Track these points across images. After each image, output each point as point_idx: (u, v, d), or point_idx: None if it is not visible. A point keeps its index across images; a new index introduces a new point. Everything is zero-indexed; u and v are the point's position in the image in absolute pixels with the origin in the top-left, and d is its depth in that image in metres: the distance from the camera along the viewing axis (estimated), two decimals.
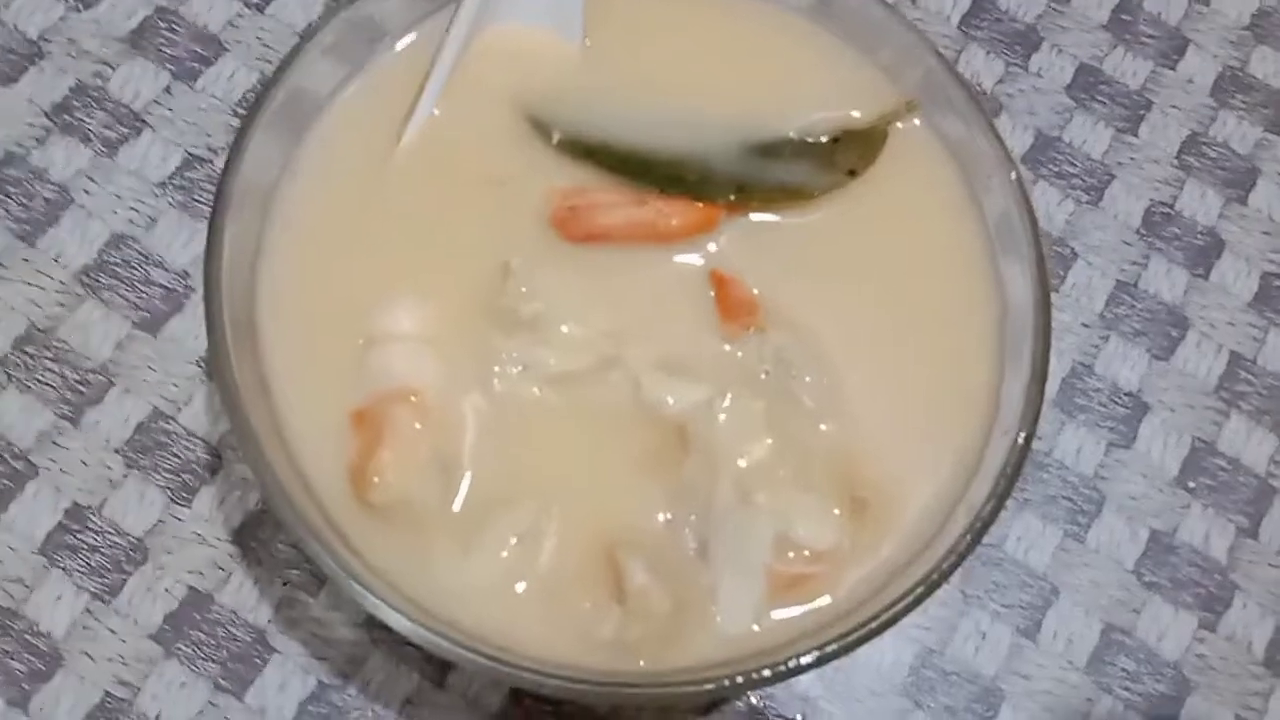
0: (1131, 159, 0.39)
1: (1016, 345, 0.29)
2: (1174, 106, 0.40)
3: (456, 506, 0.28)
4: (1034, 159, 0.39)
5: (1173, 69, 0.41)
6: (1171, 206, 0.39)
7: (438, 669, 0.32)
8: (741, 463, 0.28)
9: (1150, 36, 0.41)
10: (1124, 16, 0.41)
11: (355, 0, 0.30)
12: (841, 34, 0.32)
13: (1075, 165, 0.39)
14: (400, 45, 0.32)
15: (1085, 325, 0.37)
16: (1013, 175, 0.29)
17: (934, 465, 0.29)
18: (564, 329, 0.29)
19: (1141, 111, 0.40)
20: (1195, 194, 0.39)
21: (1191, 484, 0.36)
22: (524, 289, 0.29)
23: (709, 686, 0.25)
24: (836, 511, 0.28)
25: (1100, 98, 0.40)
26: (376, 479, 0.27)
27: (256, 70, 0.37)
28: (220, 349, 0.27)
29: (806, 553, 0.27)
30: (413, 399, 0.28)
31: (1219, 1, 0.42)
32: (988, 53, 0.40)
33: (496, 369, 0.29)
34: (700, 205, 0.30)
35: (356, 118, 0.31)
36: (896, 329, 0.30)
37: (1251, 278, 0.39)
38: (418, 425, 0.28)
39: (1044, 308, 0.28)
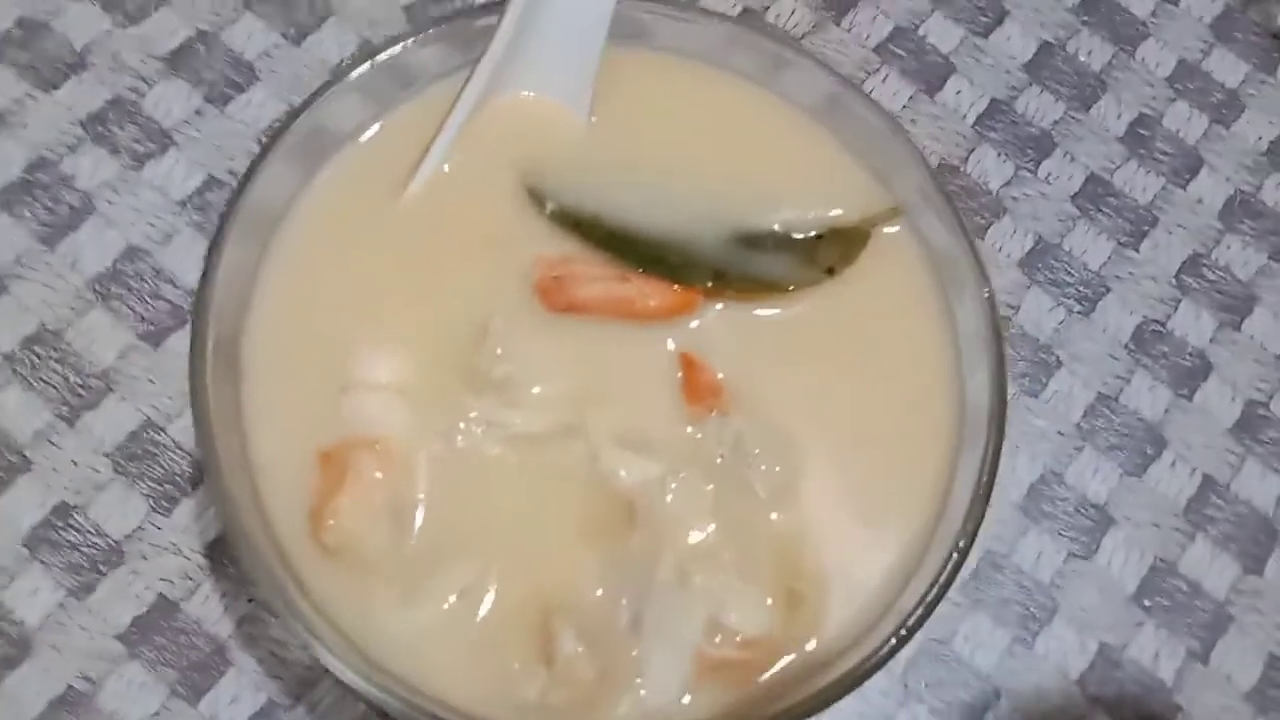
0: (1130, 273, 0.40)
1: (969, 455, 0.29)
2: (1180, 225, 0.41)
3: (404, 555, 0.29)
4: (1032, 264, 0.39)
5: (1184, 188, 0.41)
6: (1164, 325, 0.39)
7: None
8: (685, 543, 0.29)
9: (1165, 153, 0.41)
10: (1142, 131, 0.41)
11: (390, 45, 0.31)
12: (840, 135, 0.32)
13: (1072, 274, 0.39)
14: (428, 93, 0.33)
15: (1061, 433, 0.38)
16: (985, 292, 0.30)
17: (875, 564, 0.29)
18: (534, 390, 0.30)
19: (1146, 227, 0.40)
20: (1190, 315, 0.40)
21: (1148, 602, 0.36)
22: (499, 350, 0.30)
23: None
24: (770, 601, 0.28)
25: (1106, 209, 0.40)
26: (331, 521, 0.29)
27: (285, 102, 0.38)
28: (199, 370, 0.28)
29: (737, 638, 0.28)
30: (378, 447, 0.29)
31: (1240, 125, 0.42)
32: (999, 154, 0.41)
33: (461, 425, 0.30)
34: (678, 288, 0.31)
35: (371, 161, 0.32)
36: (856, 426, 0.31)
37: (1236, 404, 0.39)
38: (379, 474, 0.29)
39: (998, 424, 0.29)
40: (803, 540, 0.29)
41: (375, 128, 0.32)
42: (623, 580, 0.28)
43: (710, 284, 0.31)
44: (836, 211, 0.32)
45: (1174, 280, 0.40)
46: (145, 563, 0.33)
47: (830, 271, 0.31)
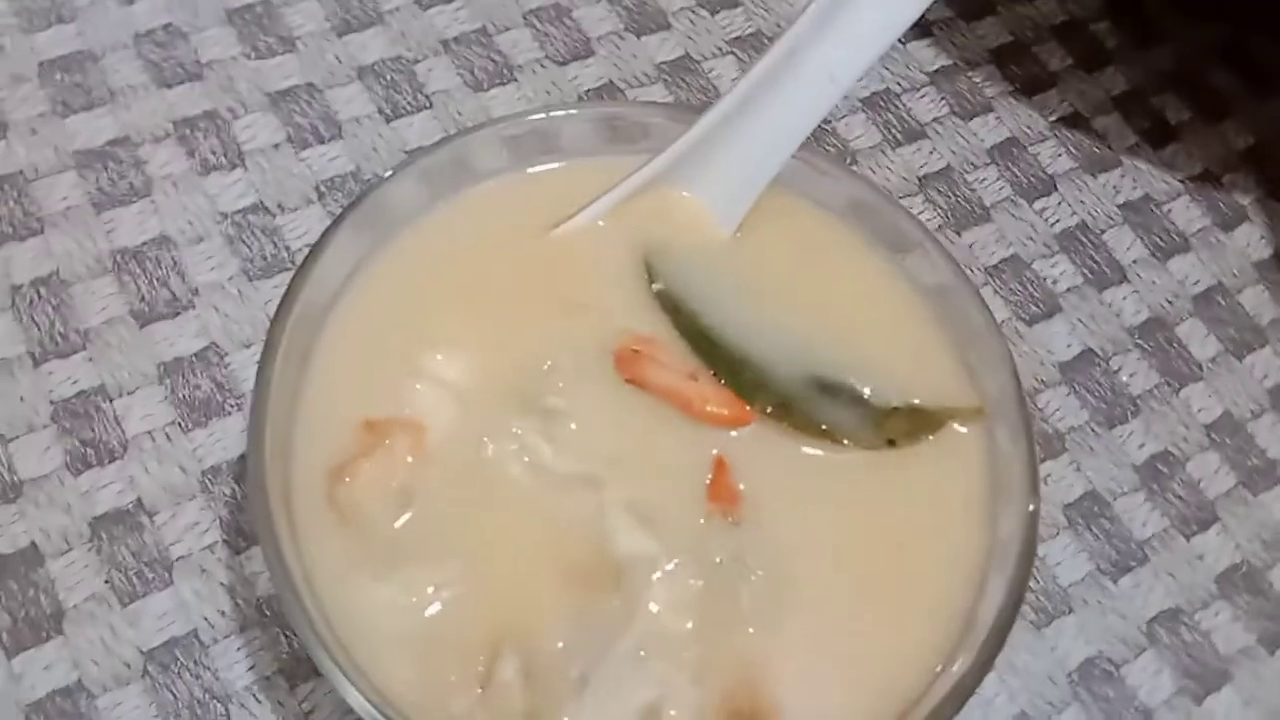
0: (1099, 602, 0.38)
1: (959, 661, 0.29)
2: (1170, 574, 0.39)
3: (395, 536, 0.29)
4: None
5: (1188, 539, 0.40)
6: (1117, 669, 0.37)
7: None
8: (655, 625, 0.29)
9: (1179, 497, 0.40)
10: (1161, 467, 0.40)
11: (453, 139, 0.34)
12: (945, 326, 0.34)
13: (1037, 582, 0.37)
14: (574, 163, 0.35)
15: None
16: (1030, 508, 0.30)
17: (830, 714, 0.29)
18: (573, 428, 0.31)
19: (1133, 563, 0.39)
20: (1150, 668, 0.37)
21: None
22: (560, 384, 0.31)
23: None
24: (711, 713, 0.28)
25: (1097, 530, 0.39)
26: (348, 479, 0.30)
27: (354, 163, 0.40)
28: (282, 317, 0.30)
29: None
30: (419, 433, 0.31)
31: (1269, 497, 0.40)
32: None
33: (498, 439, 0.31)
34: (738, 403, 0.32)
35: (519, 197, 0.35)
36: (858, 589, 0.30)
37: None
38: (409, 458, 0.30)
39: (997, 640, 0.28)
40: (768, 668, 0.29)
41: (532, 170, 0.35)
42: (585, 636, 0.28)
43: (770, 409, 0.32)
44: (919, 394, 0.33)
45: (1145, 626, 0.38)
46: None
47: (891, 443, 0.32)
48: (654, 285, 0.33)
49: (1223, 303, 0.43)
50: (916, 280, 0.34)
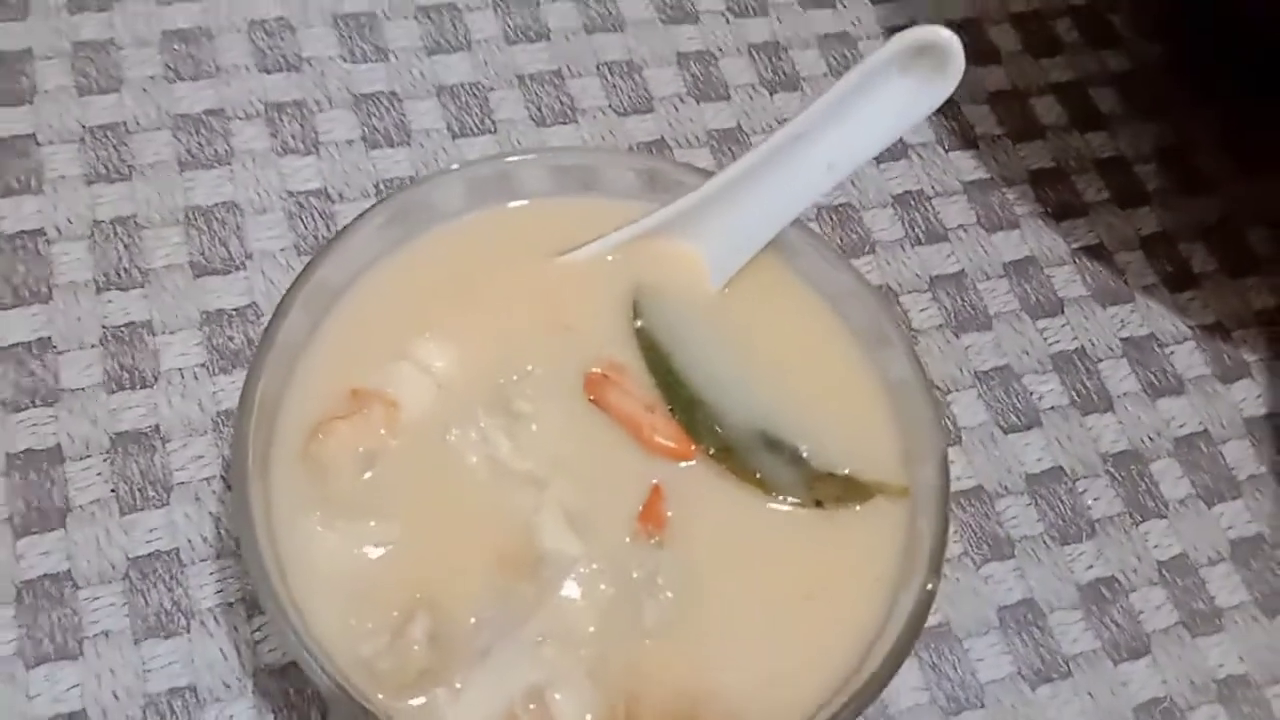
0: (1013, 705, 0.38)
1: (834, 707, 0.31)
2: (1089, 693, 0.38)
3: (351, 491, 0.33)
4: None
5: (1116, 664, 0.40)
6: None
7: None
8: (561, 619, 0.31)
9: (1115, 623, 0.40)
10: (1105, 591, 0.40)
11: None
12: (895, 413, 0.36)
13: (951, 672, 0.39)
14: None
15: None
16: (929, 586, 0.32)
17: None
18: (533, 430, 0.34)
19: (1055, 675, 0.38)
20: None
21: None
22: (529, 391, 0.35)
23: None
24: (592, 708, 0.30)
25: (1026, 637, 0.39)
26: (321, 436, 0.33)
27: (414, 169, 0.44)
28: (296, 287, 0.34)
29: (551, 718, 0.30)
30: (395, 410, 0.34)
31: (1205, 641, 0.40)
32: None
33: (463, 429, 0.34)
34: (686, 440, 0.35)
35: (538, 220, 0.38)
36: (762, 622, 0.33)
37: None
38: (381, 429, 0.34)
39: (874, 692, 0.30)
40: (656, 681, 0.31)
41: (562, 199, 0.39)
42: (496, 615, 0.31)
43: (714, 451, 0.34)
44: (854, 466, 0.35)
45: None
46: None
47: (819, 504, 0.34)
48: (636, 321, 0.36)
49: (1204, 449, 0.44)
50: (880, 370, 0.37)
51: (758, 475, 0.34)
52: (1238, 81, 0.53)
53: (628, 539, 0.33)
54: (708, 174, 0.37)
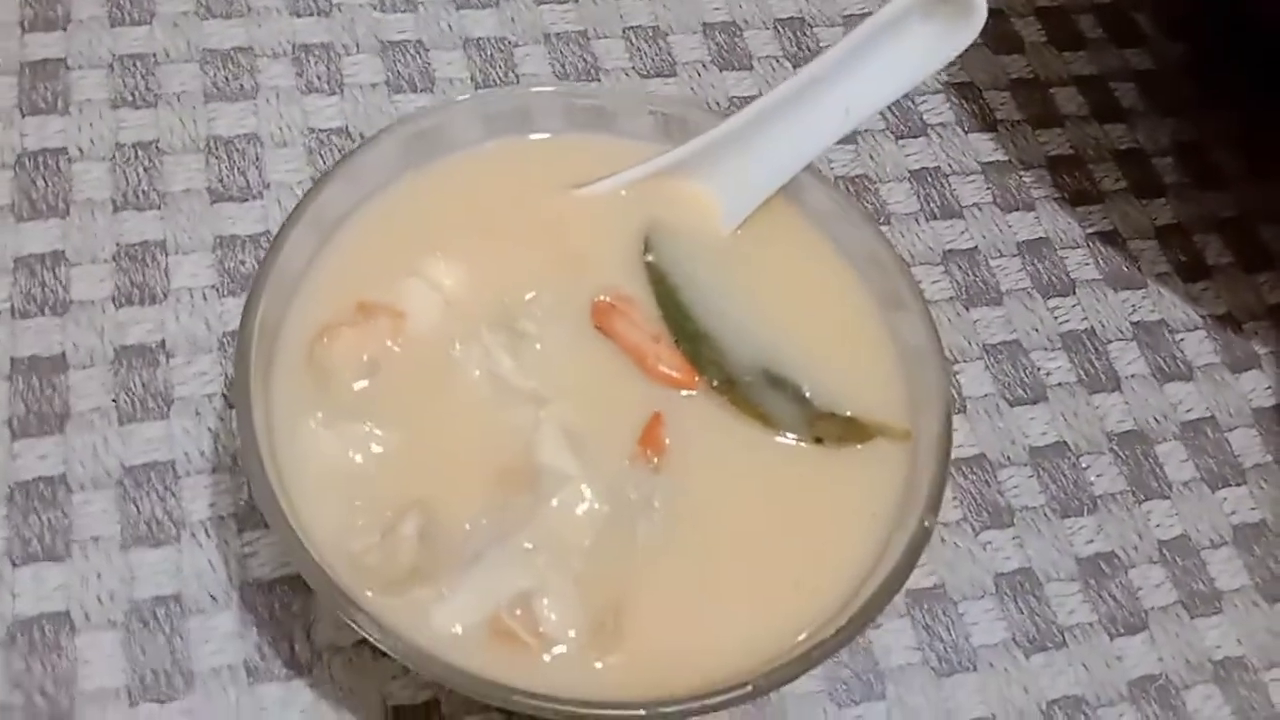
0: (1006, 670, 0.37)
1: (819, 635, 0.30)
2: (1084, 664, 0.38)
3: (353, 395, 0.33)
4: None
5: (1111, 639, 0.38)
6: None
7: None
8: (553, 531, 0.31)
9: (1113, 597, 0.39)
10: (1104, 566, 0.40)
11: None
12: (901, 357, 0.36)
13: (944, 634, 0.38)
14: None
15: None
16: (925, 523, 0.32)
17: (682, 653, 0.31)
18: (537, 349, 0.34)
19: (1049, 645, 0.37)
20: None
21: None
22: (538, 313, 0.35)
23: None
24: (579, 618, 0.30)
25: (1022, 604, 0.38)
26: (326, 340, 0.33)
27: None
28: (302, 204, 0.34)
29: (539, 627, 0.30)
30: (403, 322, 0.34)
31: (1204, 622, 0.40)
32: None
33: (468, 344, 0.34)
34: (690, 370, 0.35)
35: (562, 153, 0.38)
36: (754, 551, 0.33)
37: None
38: (387, 339, 0.34)
39: (864, 620, 0.30)
40: (645, 598, 0.31)
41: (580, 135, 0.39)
42: (489, 524, 0.31)
43: (716, 383, 0.35)
44: (856, 408, 0.35)
45: (1044, 706, 0.37)
46: None
47: (818, 441, 0.34)
48: (646, 256, 0.36)
49: (1210, 435, 0.44)
50: (888, 317, 0.37)
51: (759, 409, 0.34)
52: (1258, 85, 0.53)
53: (626, 462, 0.33)
54: (725, 115, 0.37)
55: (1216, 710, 0.39)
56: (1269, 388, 0.46)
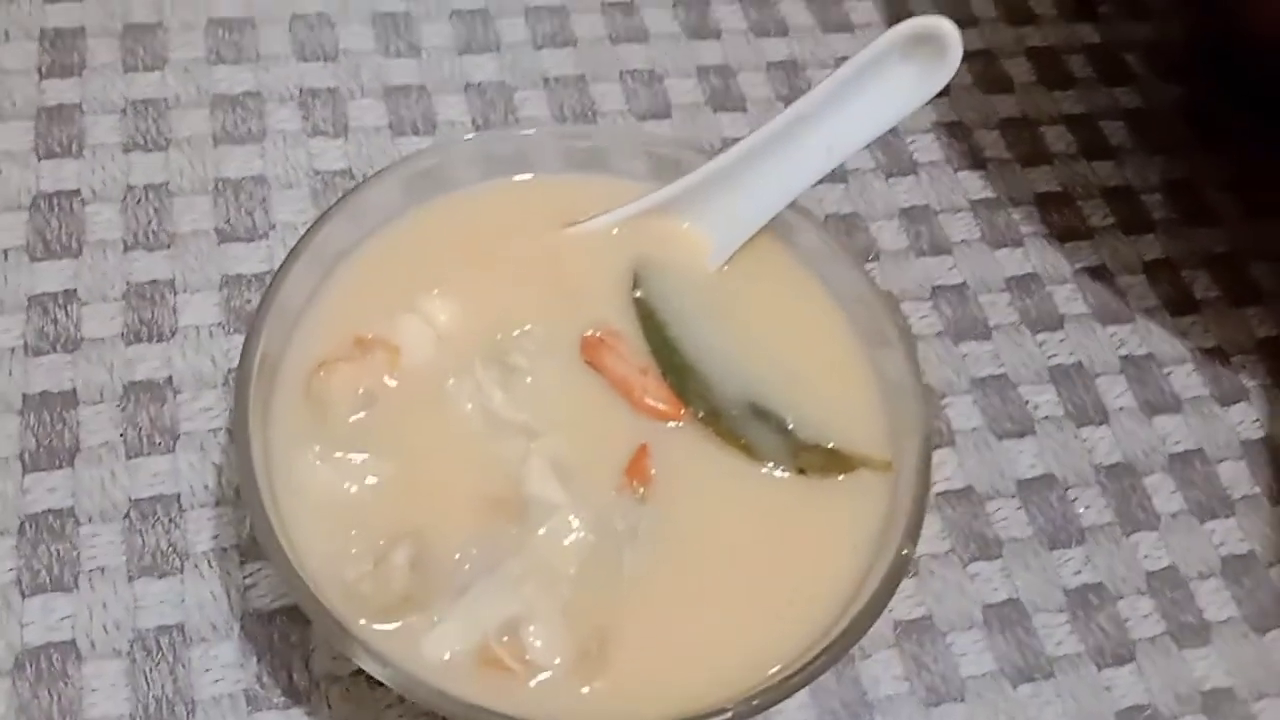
0: (994, 701, 0.37)
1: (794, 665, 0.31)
2: (1072, 695, 0.38)
3: (347, 427, 0.34)
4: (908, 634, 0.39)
5: (1100, 669, 0.39)
6: None
7: None
8: (541, 560, 0.32)
9: (1101, 628, 0.40)
10: (1092, 598, 0.40)
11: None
12: (882, 389, 0.37)
13: (933, 664, 0.38)
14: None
15: None
16: (904, 551, 0.32)
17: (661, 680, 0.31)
18: (527, 380, 0.35)
19: (1037, 675, 0.38)
20: None
21: None
22: (529, 348, 0.36)
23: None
24: (564, 648, 0.31)
25: (1010, 636, 0.38)
26: (323, 374, 0.34)
27: None
28: (308, 236, 0.35)
29: (525, 655, 0.31)
30: (396, 356, 0.35)
31: (1193, 654, 0.40)
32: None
33: (461, 379, 0.35)
34: (676, 403, 0.36)
35: (558, 192, 0.40)
36: (735, 580, 0.33)
37: None
38: (384, 376, 0.35)
39: (839, 652, 0.31)
40: (630, 625, 0.32)
41: (573, 176, 0.40)
42: (480, 551, 0.32)
43: (702, 415, 0.35)
44: (839, 440, 0.36)
45: None
46: None
47: (802, 472, 0.35)
48: (635, 292, 0.37)
49: (1199, 467, 0.44)
50: (868, 349, 0.37)
51: (743, 441, 0.35)
52: (1247, 128, 0.54)
53: (613, 492, 0.34)
54: (712, 154, 0.38)
55: None
56: (1257, 420, 0.46)
